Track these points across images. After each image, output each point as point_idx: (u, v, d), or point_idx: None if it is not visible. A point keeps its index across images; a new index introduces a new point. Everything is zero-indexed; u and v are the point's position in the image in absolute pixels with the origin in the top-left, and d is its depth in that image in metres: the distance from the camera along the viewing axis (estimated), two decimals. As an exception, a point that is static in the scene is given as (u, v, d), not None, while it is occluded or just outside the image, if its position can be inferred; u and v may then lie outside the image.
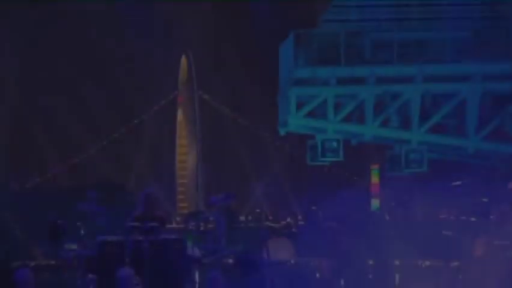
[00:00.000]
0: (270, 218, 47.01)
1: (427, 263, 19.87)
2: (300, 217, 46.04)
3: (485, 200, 17.57)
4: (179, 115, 54.93)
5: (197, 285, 15.93)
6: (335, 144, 23.97)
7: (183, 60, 53.15)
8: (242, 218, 45.63)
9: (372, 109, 24.06)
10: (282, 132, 25.27)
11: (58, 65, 43.32)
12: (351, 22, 24.71)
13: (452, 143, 24.64)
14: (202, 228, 16.30)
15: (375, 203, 39.00)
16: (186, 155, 54.75)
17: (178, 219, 46.73)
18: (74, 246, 15.50)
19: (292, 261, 20.62)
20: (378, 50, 24.18)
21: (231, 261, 18.21)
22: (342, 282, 16.79)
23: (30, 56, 43.00)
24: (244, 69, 43.53)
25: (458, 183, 18.62)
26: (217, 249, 15.65)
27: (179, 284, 15.07)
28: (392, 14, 24.66)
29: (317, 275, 16.48)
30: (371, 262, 17.83)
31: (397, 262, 19.18)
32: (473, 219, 17.36)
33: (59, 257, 15.69)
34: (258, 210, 45.71)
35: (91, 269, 14.99)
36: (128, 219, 15.31)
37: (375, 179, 41.21)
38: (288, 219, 45.57)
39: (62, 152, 45.57)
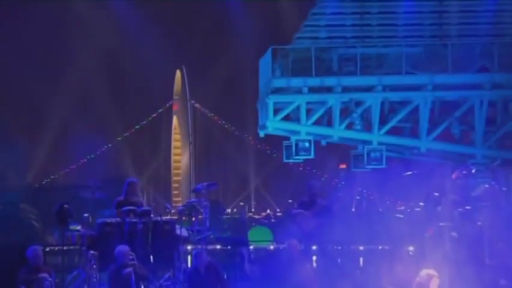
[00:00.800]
0: (252, 209, 47.03)
1: (386, 247, 19.88)
2: (278, 209, 46.04)
3: (436, 194, 17.63)
4: (174, 121, 55.04)
5: (188, 260, 15.99)
6: (307, 144, 24.05)
7: (178, 74, 53.25)
8: (228, 210, 45.56)
9: (338, 114, 24.19)
10: (261, 134, 25.34)
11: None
12: (321, 39, 24.87)
13: (407, 143, 24.80)
14: (193, 219, 16.35)
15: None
16: (180, 156, 54.79)
17: (173, 211, 46.61)
18: (78, 227, 15.55)
19: (271, 247, 20.69)
20: (344, 63, 24.30)
21: (218, 247, 18.26)
22: (310, 261, 16.83)
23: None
24: (229, 81, 43.66)
25: (409, 173, 18.76)
26: (201, 230, 15.72)
27: (168, 259, 15.12)
28: (356, 33, 24.83)
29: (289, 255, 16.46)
30: (338, 247, 17.86)
31: (361, 247, 19.24)
32: (421, 204, 17.45)
33: (65, 237, 15.70)
34: (241, 203, 45.68)
35: (92, 246, 15.05)
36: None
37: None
38: (268, 211, 45.49)
39: (70, 154, 45.39)
